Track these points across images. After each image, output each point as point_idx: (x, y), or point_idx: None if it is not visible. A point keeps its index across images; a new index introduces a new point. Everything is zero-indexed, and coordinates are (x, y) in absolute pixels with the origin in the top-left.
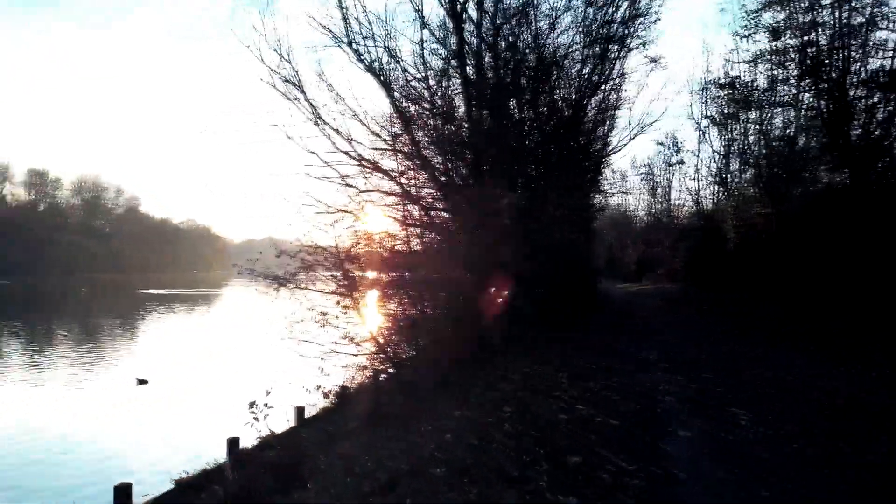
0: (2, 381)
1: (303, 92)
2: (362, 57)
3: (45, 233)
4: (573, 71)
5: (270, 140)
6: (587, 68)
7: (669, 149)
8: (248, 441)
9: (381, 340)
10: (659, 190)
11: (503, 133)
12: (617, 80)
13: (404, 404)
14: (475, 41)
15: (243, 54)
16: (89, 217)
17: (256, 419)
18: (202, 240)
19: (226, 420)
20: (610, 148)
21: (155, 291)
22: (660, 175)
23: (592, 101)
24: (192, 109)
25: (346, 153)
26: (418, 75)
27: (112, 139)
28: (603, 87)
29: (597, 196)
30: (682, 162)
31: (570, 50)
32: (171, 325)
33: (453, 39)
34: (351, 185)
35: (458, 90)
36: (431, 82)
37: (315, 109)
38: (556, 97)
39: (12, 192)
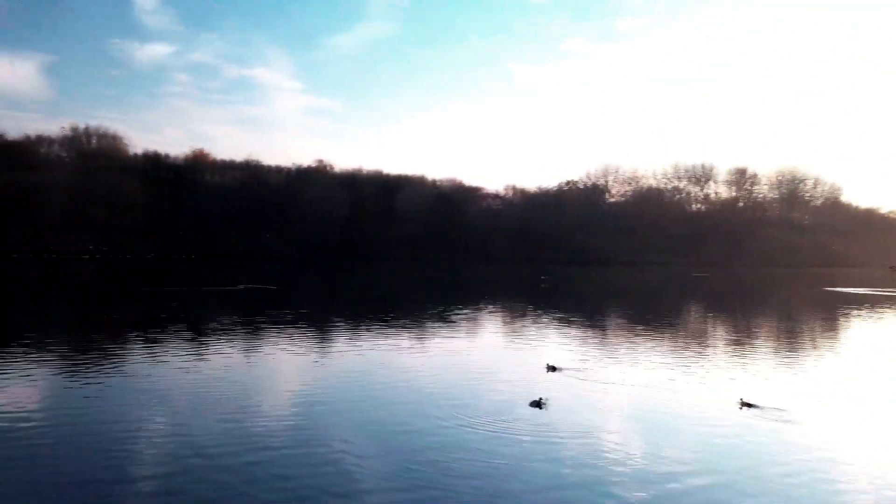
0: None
1: None
2: None
3: (743, 227)
4: None
5: None
6: None
7: None
8: None
9: None
10: None
11: None
12: None
13: None
14: None
15: None
16: (787, 210)
17: None
18: None
19: None
20: None
21: (845, 290)
22: None
23: None
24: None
25: None
26: None
27: (808, 128)
28: None
29: None
30: None
31: None
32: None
33: None
34: None
35: None
36: None
37: None
38: None
39: (715, 191)
